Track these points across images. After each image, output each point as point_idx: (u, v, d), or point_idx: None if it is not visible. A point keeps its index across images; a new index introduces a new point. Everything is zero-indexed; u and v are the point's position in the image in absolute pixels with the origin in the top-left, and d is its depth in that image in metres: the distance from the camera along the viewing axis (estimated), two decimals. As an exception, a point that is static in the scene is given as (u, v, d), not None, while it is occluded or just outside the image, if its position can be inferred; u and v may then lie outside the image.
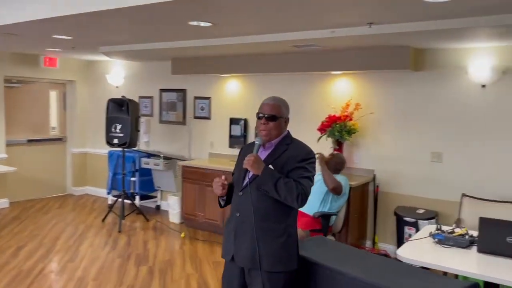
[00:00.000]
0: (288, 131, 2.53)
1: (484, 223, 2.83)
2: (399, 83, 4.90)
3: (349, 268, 2.42)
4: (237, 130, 6.18)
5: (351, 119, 4.98)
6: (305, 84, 5.55)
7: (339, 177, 4.29)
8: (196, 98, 6.65)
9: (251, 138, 6.07)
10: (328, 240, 3.16)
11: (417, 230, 4.51)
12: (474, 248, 2.95)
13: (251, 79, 6.07)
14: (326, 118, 5.11)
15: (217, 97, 6.43)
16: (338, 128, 4.92)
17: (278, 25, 3.90)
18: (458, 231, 3.07)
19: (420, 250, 2.95)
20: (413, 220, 4.55)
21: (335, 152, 4.78)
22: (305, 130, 5.46)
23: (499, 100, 4.35)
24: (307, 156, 2.40)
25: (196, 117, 6.65)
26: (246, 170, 2.40)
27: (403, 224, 4.63)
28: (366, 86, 5.12)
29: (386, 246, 5.03)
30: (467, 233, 3.03)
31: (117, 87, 7.44)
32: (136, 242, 5.43)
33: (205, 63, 6.03)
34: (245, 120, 6.10)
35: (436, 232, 3.08)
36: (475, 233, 3.04)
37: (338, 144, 5.03)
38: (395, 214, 4.76)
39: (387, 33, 3.73)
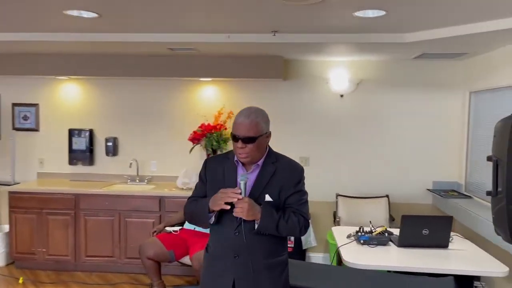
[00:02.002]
0: (269, 146, 2.23)
1: (405, 219, 3.14)
2: (268, 91, 5.01)
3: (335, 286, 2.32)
4: (80, 143, 5.21)
5: (226, 128, 4.83)
6: (168, 91, 5.11)
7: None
8: (15, 105, 5.31)
9: (99, 152, 5.22)
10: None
11: (296, 232, 4.71)
12: (391, 243, 3.25)
13: (97, 83, 5.21)
14: (199, 127, 4.82)
15: (49, 104, 5.28)
16: (216, 137, 4.70)
17: (164, 24, 3.46)
18: (376, 230, 3.32)
19: (357, 253, 3.06)
20: (292, 223, 4.72)
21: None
22: (171, 141, 5.08)
23: (355, 109, 4.94)
24: (301, 175, 2.16)
25: (17, 129, 5.31)
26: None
27: (283, 229, 4.76)
28: (235, 94, 5.05)
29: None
30: (386, 231, 3.30)
31: None
32: (-47, 303, 3.95)
33: (31, 62, 4.89)
34: (91, 131, 5.20)
35: (361, 234, 3.26)
36: (379, 229, 3.35)
37: (214, 153, 4.81)
38: (273, 220, 4.84)
39: (288, 42, 3.76)
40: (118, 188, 4.85)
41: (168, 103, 5.13)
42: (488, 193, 2.26)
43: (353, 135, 4.96)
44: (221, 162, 2.17)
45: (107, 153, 5.18)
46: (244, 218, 1.98)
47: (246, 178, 2.02)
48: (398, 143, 4.90)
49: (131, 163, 5.02)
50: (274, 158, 2.17)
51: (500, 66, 4.01)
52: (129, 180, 5.12)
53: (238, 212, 1.96)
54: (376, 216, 4.53)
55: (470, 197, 4.47)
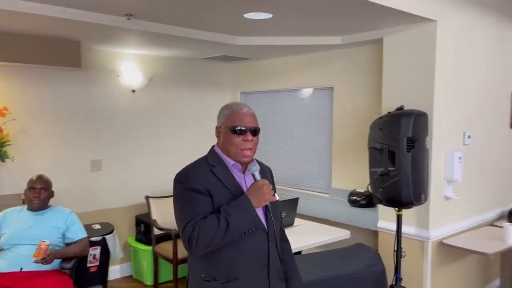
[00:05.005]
0: None
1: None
2: (55, 83, 4.05)
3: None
4: None
5: (1, 130, 3.57)
6: None
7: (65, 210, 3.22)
8: None
9: None
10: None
11: (103, 248, 4.10)
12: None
13: None
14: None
15: None
16: (-5, 142, 3.41)
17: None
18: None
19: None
20: (98, 238, 4.06)
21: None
22: None
23: (147, 105, 4.71)
24: None
25: None
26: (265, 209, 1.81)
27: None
28: (7, 84, 3.79)
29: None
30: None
31: None
32: None
33: None
34: None
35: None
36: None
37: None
38: (71, 238, 4.00)
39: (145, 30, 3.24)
40: None
41: None
42: (381, 173, 2.95)
43: (147, 132, 4.74)
44: (207, 170, 1.78)
45: None
46: None
47: (258, 166, 1.81)
48: (188, 138, 5.04)
49: None
50: None
51: (272, 72, 4.89)
52: None
53: None
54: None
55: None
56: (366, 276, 2.60)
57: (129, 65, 4.51)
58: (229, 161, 1.80)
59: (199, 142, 5.13)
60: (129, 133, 4.59)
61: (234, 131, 1.76)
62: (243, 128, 1.76)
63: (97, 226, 4.21)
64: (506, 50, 3.93)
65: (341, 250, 2.93)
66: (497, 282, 3.87)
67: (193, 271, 1.83)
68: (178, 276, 4.01)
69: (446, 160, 3.33)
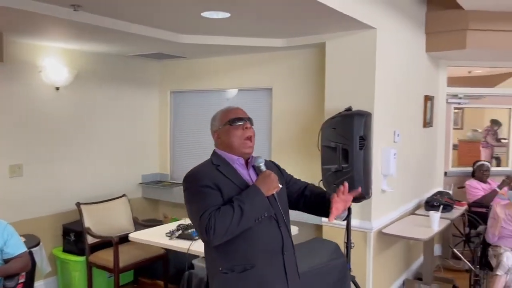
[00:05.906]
0: None
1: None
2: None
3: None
4: None
5: None
6: None
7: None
8: None
9: None
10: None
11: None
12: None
13: None
14: None
15: None
16: None
17: None
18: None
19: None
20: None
21: None
22: None
23: (73, 103, 4.33)
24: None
25: None
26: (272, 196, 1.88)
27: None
28: None
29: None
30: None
31: None
32: None
33: None
34: None
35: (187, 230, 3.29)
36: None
37: None
38: None
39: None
40: None
41: None
42: (335, 170, 3.13)
43: (74, 133, 4.37)
44: (212, 169, 1.86)
45: None
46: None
47: (263, 159, 1.92)
48: (117, 138, 4.75)
49: None
50: None
51: (207, 71, 4.85)
52: None
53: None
54: (121, 217, 4.32)
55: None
56: (331, 268, 2.74)
57: (53, 60, 4.11)
58: (232, 158, 1.90)
59: (129, 142, 4.89)
60: (53, 135, 4.18)
61: (233, 124, 1.88)
62: (240, 119, 1.90)
63: (22, 239, 3.78)
64: (419, 57, 4.43)
65: (303, 245, 3.04)
66: (421, 259, 4.35)
67: (211, 269, 1.88)
68: (120, 284, 3.78)
69: (383, 156, 3.65)
